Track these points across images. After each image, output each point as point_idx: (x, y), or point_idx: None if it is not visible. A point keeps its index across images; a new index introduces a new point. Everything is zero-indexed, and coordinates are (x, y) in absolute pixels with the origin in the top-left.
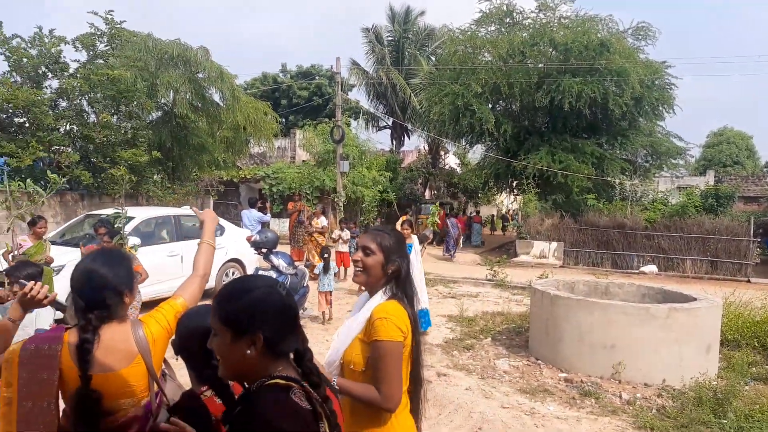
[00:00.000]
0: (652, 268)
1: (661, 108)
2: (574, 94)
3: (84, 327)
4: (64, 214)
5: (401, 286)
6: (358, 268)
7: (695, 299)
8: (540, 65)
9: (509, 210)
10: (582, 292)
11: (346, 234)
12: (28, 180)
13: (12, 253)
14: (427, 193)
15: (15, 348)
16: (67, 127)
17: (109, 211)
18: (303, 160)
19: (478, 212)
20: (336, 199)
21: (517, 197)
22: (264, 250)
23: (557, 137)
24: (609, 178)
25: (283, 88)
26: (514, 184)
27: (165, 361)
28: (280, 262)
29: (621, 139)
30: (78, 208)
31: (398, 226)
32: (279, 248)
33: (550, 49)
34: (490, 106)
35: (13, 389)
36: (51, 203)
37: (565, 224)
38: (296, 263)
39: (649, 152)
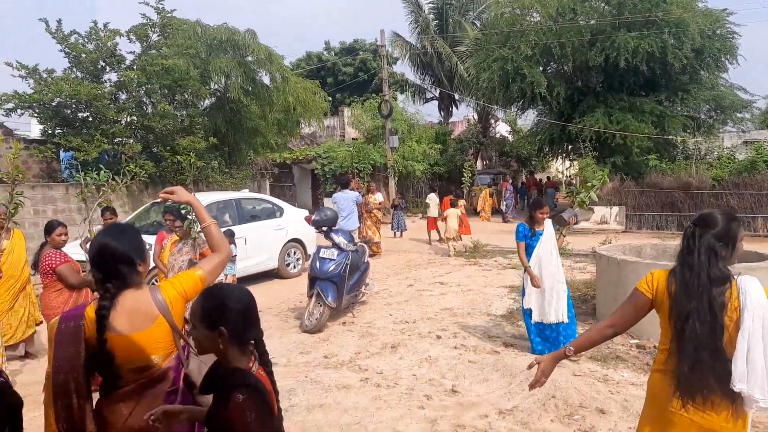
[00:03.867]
0: None
1: (723, 59)
2: (630, 49)
3: (102, 296)
4: (131, 203)
5: None
6: None
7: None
8: (592, 22)
9: (567, 177)
10: (650, 256)
11: (435, 199)
12: (102, 171)
13: (90, 242)
14: (478, 164)
15: (53, 324)
16: (128, 119)
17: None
18: (352, 138)
19: (549, 178)
20: (389, 174)
21: (573, 162)
22: (324, 229)
23: (613, 97)
24: (670, 137)
25: (328, 66)
26: (570, 149)
27: (186, 320)
28: (340, 240)
29: (682, 94)
30: (143, 197)
31: (459, 207)
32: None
33: (603, 4)
34: (540, 68)
35: (50, 364)
36: (119, 193)
37: (626, 187)
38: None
39: (712, 107)
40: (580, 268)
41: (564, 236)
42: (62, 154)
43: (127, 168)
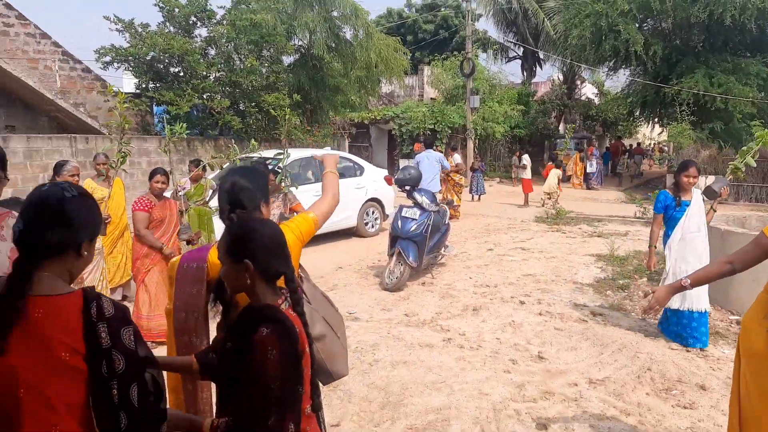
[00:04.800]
0: None
1: None
2: (737, 4)
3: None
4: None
5: None
6: None
7: None
8: None
9: (658, 143)
10: (755, 228)
11: (527, 159)
12: (179, 125)
13: (176, 193)
14: (561, 127)
15: (174, 263)
16: (217, 74)
17: (270, 153)
18: (431, 98)
19: (639, 144)
20: (468, 136)
21: (665, 127)
22: (407, 188)
23: (716, 57)
24: None
25: (409, 23)
26: (663, 113)
27: (300, 265)
28: (423, 199)
29: None
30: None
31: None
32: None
33: None
34: (636, 25)
35: (170, 302)
36: (206, 148)
37: (726, 155)
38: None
39: None
40: None
41: (715, 211)
42: (155, 108)
43: (171, 128)
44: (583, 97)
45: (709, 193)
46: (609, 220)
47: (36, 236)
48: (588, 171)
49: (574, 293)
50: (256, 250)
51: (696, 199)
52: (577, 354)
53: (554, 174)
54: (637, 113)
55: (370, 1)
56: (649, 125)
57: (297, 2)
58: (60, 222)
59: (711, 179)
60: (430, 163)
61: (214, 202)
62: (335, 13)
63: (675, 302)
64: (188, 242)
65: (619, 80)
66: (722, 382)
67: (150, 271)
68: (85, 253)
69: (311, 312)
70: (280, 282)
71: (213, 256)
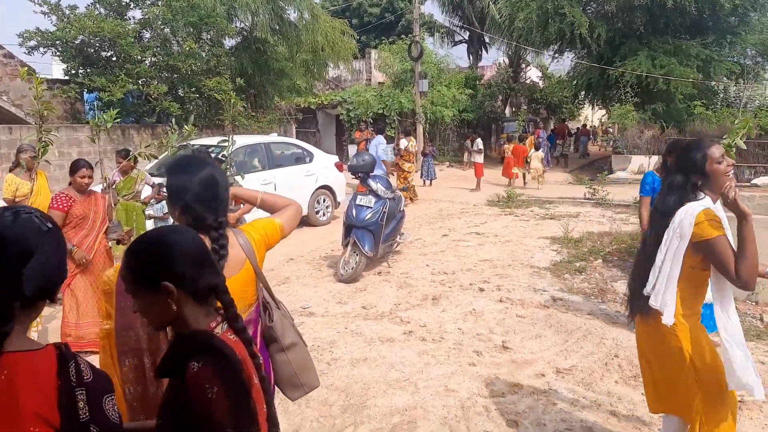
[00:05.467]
0: (765, 180)
1: None
2: None
3: (216, 235)
4: (156, 147)
5: None
6: None
7: None
8: None
9: (602, 125)
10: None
11: (479, 145)
12: (110, 112)
13: (108, 187)
14: (507, 111)
15: (111, 277)
16: (153, 59)
17: (211, 141)
18: (379, 82)
19: (585, 125)
20: (418, 120)
21: (609, 109)
22: (361, 174)
23: (657, 39)
24: (716, 83)
25: (354, 6)
26: (608, 95)
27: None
28: (378, 186)
29: (730, 37)
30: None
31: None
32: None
33: None
34: (581, 8)
35: (112, 319)
36: (143, 136)
37: (668, 136)
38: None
39: (759, 52)
40: (622, 219)
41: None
42: (86, 95)
43: (97, 115)
44: (528, 81)
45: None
46: (560, 202)
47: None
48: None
49: (533, 278)
50: (177, 266)
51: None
52: (541, 342)
53: (537, 157)
54: (582, 96)
55: None
56: (592, 107)
57: None
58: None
59: (654, 159)
60: (385, 149)
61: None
62: None
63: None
64: (118, 242)
65: (563, 64)
66: None
67: (75, 276)
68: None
69: (281, 319)
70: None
71: None
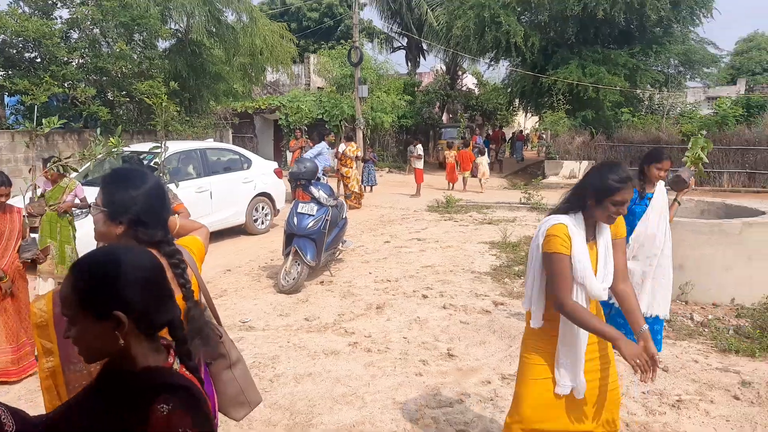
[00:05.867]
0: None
1: (699, 12)
2: None
3: (170, 251)
4: (83, 153)
5: None
6: None
7: (764, 213)
8: None
9: (536, 131)
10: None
11: (419, 150)
12: (54, 118)
13: (29, 195)
14: (444, 117)
15: (43, 307)
16: (81, 60)
17: (143, 147)
18: (318, 87)
19: (521, 131)
20: (358, 126)
21: (542, 116)
22: (303, 181)
23: (587, 48)
24: (641, 91)
25: (292, 10)
26: (541, 102)
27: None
28: (320, 194)
29: (656, 47)
30: (96, 146)
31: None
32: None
33: None
34: (516, 17)
35: (55, 355)
36: (69, 142)
37: (597, 142)
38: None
39: (680, 62)
40: None
41: (679, 204)
42: (7, 98)
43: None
44: (464, 88)
45: (677, 183)
46: (497, 207)
47: None
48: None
49: (474, 283)
50: (131, 294)
51: (659, 191)
52: (486, 348)
53: (484, 161)
54: (516, 102)
55: None
56: (526, 114)
57: None
58: None
59: (585, 164)
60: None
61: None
62: None
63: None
64: (33, 261)
65: (498, 72)
66: (628, 367)
67: None
68: None
69: (225, 334)
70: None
71: None
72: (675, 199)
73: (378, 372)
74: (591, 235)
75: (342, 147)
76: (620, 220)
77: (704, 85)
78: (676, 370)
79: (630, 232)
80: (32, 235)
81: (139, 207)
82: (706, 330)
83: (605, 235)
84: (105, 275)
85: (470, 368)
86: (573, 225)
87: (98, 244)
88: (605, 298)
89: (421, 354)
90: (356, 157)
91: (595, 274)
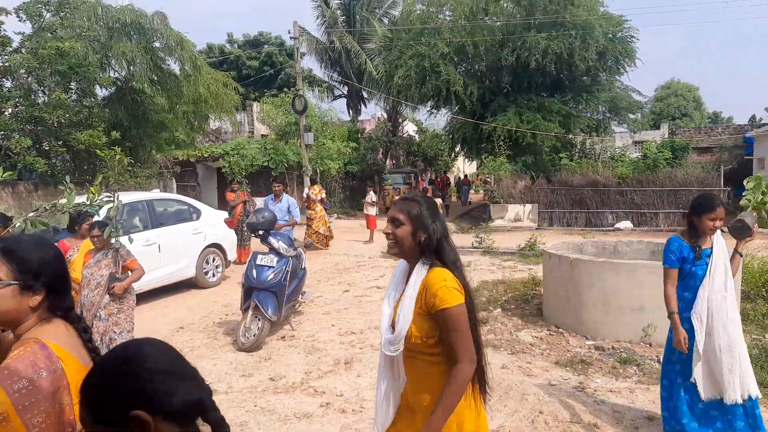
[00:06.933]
0: (627, 224)
1: (623, 61)
2: (540, 50)
3: (77, 319)
4: (18, 207)
5: (438, 253)
6: (390, 240)
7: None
8: (499, 24)
9: (479, 176)
10: (591, 254)
11: (372, 197)
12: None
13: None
14: (387, 163)
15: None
16: (15, 109)
17: (83, 200)
18: (262, 135)
19: (466, 176)
20: (305, 173)
21: (483, 161)
22: (261, 232)
23: (522, 97)
24: (574, 137)
25: (231, 59)
26: (482, 148)
27: None
28: (280, 245)
29: (586, 95)
30: (32, 199)
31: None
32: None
33: (513, 5)
34: (454, 67)
35: None
36: (2, 195)
37: (539, 185)
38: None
39: (607, 108)
40: (510, 267)
41: (742, 256)
42: None
43: None
44: (405, 135)
45: (741, 231)
46: None
47: None
48: None
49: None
50: (148, 387)
51: (718, 245)
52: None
53: (438, 203)
54: (458, 148)
55: (188, 36)
56: (467, 159)
57: (111, 30)
58: None
59: (528, 207)
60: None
61: None
62: (157, 44)
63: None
64: None
65: (436, 119)
66: (610, 416)
67: None
68: None
69: None
70: None
71: (57, 348)
72: (736, 251)
73: None
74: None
75: (306, 191)
76: (444, 293)
77: (630, 130)
78: (658, 416)
79: (693, 298)
80: None
81: (53, 271)
82: None
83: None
84: (113, 384)
85: None
86: None
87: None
88: None
89: None
90: (320, 199)
91: None
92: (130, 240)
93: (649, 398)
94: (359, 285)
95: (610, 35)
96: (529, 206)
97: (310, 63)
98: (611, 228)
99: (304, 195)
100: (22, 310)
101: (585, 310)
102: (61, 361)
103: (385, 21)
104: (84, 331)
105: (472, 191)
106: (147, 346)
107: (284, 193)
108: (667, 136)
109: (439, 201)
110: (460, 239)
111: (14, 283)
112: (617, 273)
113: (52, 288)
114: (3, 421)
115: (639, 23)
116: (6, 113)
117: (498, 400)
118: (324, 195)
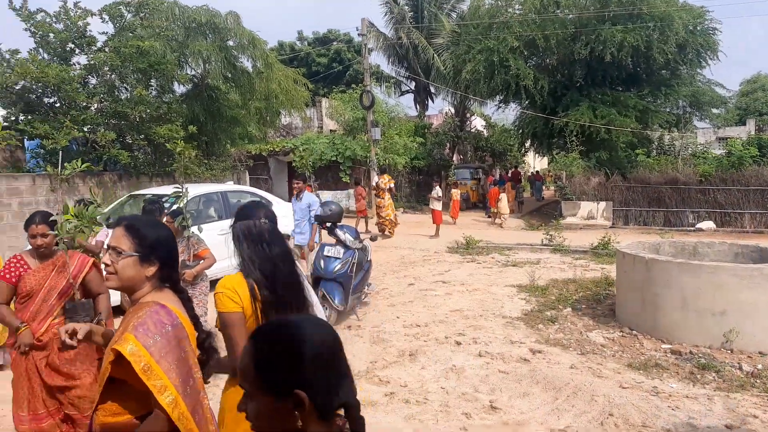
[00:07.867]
0: (709, 224)
1: (705, 54)
2: (615, 43)
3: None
4: (104, 196)
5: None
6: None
7: None
8: (571, 16)
9: (550, 172)
10: (668, 254)
11: (438, 192)
12: (79, 160)
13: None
14: (455, 158)
15: (136, 350)
16: (100, 105)
17: (163, 190)
18: (330, 130)
19: (538, 172)
20: (371, 167)
21: (554, 157)
22: (329, 225)
23: (596, 91)
24: (652, 132)
25: (301, 56)
26: (553, 143)
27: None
28: (346, 237)
29: (665, 89)
30: (116, 189)
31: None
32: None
33: None
34: (524, 61)
35: (170, 387)
36: (89, 185)
37: (614, 182)
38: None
39: (688, 103)
40: (582, 266)
41: None
42: (27, 142)
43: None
44: (473, 130)
45: None
46: (518, 248)
47: None
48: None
49: (507, 329)
50: (310, 372)
51: None
52: (530, 401)
53: (504, 198)
54: (528, 144)
55: (260, 34)
56: (538, 155)
57: (188, 30)
58: None
59: (602, 205)
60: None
61: None
62: (231, 43)
63: None
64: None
65: (505, 114)
66: (685, 423)
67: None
68: None
69: None
70: None
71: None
72: None
73: (420, 426)
74: None
75: (375, 179)
76: None
77: (713, 126)
78: (737, 426)
79: None
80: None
81: (166, 248)
82: (757, 381)
83: None
84: (289, 352)
85: (516, 422)
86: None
87: (123, 297)
88: None
89: (462, 406)
90: (389, 188)
91: None
92: (200, 229)
93: (728, 406)
94: (424, 279)
95: (691, 27)
96: (603, 204)
97: (377, 59)
98: (692, 228)
99: (373, 183)
100: (140, 278)
101: (661, 312)
102: (179, 316)
103: (453, 16)
104: (188, 300)
105: (543, 187)
106: (317, 327)
107: (305, 191)
108: (753, 132)
109: (504, 196)
110: (528, 236)
111: (135, 255)
112: (696, 275)
113: (164, 261)
114: (148, 370)
115: (721, 15)
116: (92, 108)
117: (565, 400)
118: (393, 185)
